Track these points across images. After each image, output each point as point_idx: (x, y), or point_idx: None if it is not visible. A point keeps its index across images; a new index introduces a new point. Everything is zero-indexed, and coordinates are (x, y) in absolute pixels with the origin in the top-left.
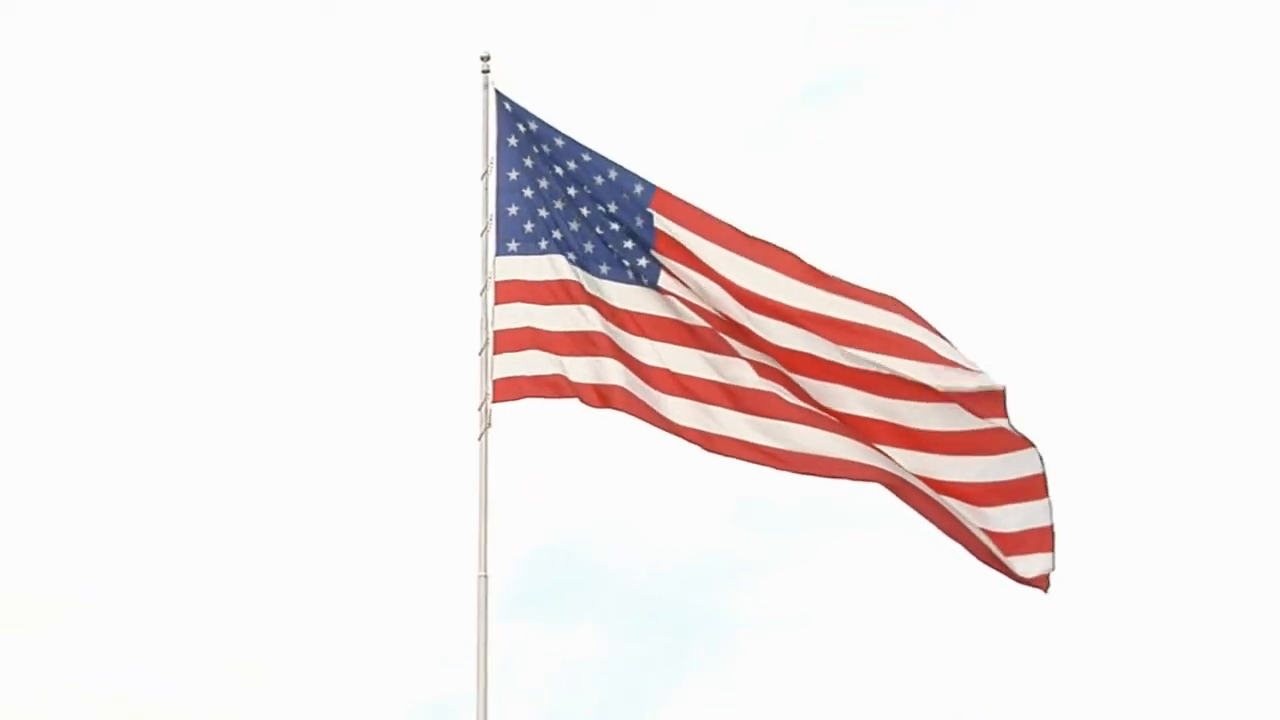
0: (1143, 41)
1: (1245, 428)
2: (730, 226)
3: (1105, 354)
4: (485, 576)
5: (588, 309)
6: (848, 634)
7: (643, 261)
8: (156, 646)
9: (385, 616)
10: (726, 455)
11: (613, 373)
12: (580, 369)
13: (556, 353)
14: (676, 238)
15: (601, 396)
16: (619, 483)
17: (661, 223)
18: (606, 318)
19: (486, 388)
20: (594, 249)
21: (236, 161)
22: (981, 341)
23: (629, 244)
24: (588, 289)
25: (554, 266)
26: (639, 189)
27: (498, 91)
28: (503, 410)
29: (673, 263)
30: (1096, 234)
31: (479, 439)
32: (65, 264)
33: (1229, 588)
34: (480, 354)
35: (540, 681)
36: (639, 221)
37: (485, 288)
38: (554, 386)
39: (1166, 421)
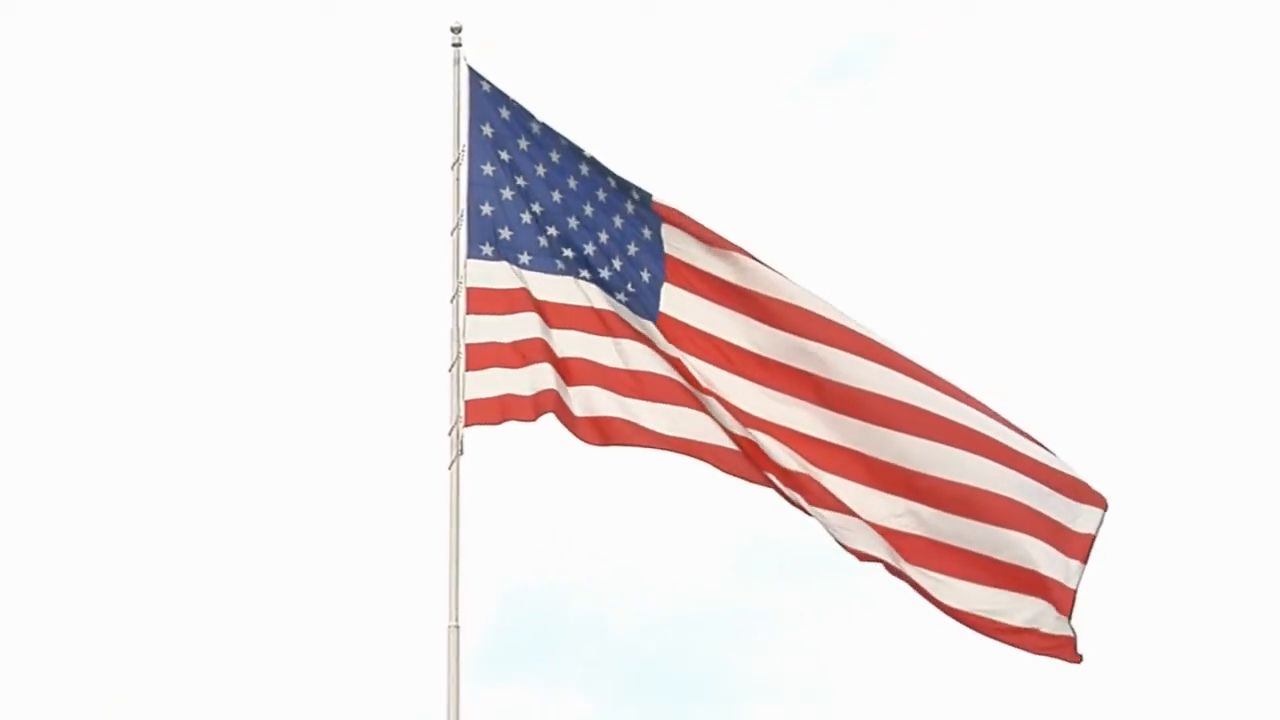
0: (1192, 17)
1: (1253, 430)
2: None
3: (1135, 341)
4: (456, 627)
5: (572, 332)
6: (871, 700)
7: (644, 274)
8: (99, 706)
9: (342, 673)
10: (737, 476)
11: (607, 404)
12: (566, 394)
13: (537, 369)
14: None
15: (600, 432)
16: (608, 520)
17: (672, 245)
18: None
19: (458, 409)
20: (580, 256)
21: (188, 149)
22: (1005, 328)
23: (629, 257)
24: (578, 303)
25: (537, 282)
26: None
27: (471, 69)
28: (476, 435)
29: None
30: (1128, 216)
31: (449, 468)
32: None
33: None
34: (450, 370)
35: None
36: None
37: (456, 294)
38: (536, 409)
39: (1185, 424)
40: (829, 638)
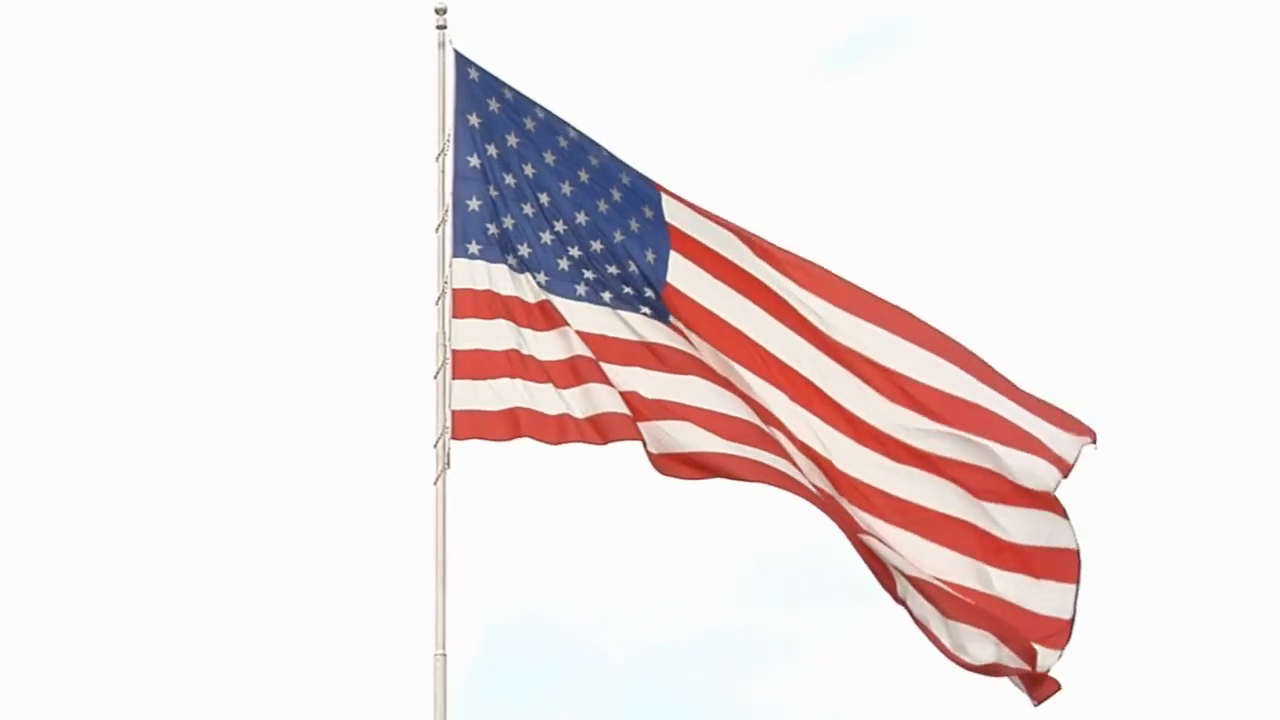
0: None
1: (1256, 432)
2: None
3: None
4: (443, 655)
5: (571, 333)
6: None
7: (648, 292)
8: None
9: (322, 705)
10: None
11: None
12: (567, 402)
13: (536, 381)
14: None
15: (599, 431)
16: (605, 541)
17: (675, 275)
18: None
19: (444, 420)
20: (572, 268)
21: (159, 140)
22: (1023, 324)
23: (629, 268)
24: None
25: (529, 286)
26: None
27: (457, 53)
28: (464, 449)
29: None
30: (1164, 206)
31: (435, 483)
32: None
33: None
34: (436, 378)
35: None
36: (648, 251)
37: (442, 295)
38: (533, 423)
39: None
40: (839, 665)
